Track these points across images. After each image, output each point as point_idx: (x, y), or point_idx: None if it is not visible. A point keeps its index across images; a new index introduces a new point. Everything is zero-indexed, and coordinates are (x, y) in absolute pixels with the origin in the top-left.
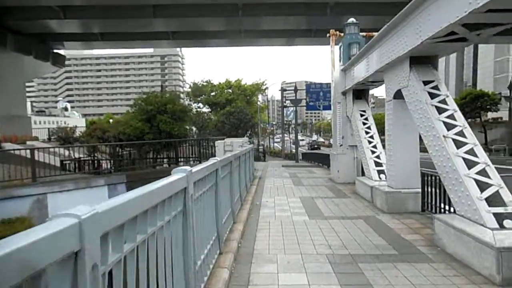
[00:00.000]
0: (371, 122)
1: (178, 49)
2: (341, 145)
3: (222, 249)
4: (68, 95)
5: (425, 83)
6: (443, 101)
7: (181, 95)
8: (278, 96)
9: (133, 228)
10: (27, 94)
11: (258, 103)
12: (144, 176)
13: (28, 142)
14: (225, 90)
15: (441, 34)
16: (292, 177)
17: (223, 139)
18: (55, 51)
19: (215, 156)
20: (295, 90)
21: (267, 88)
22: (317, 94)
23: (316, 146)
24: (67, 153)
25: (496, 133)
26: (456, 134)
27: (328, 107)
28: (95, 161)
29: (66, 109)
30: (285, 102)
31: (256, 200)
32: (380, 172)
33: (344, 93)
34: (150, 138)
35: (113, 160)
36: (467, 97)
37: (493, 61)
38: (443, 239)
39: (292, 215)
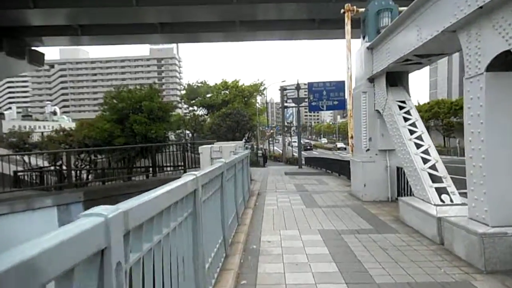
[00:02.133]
0: (415, 117)
1: (174, 51)
2: (367, 150)
3: None
4: (63, 100)
5: None
6: None
7: (177, 98)
8: (277, 99)
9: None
10: (23, 99)
11: (257, 105)
12: (109, 193)
13: None
14: (222, 91)
15: None
16: (300, 191)
17: (213, 143)
18: (32, 48)
19: (199, 166)
20: (297, 88)
21: (265, 88)
22: (320, 93)
23: (309, 147)
24: (27, 160)
25: None
26: None
27: (332, 107)
28: (59, 172)
29: (54, 113)
30: (286, 102)
31: (252, 242)
32: (440, 191)
33: (371, 80)
34: (121, 142)
35: (67, 172)
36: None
37: None
38: None
39: (317, 282)
